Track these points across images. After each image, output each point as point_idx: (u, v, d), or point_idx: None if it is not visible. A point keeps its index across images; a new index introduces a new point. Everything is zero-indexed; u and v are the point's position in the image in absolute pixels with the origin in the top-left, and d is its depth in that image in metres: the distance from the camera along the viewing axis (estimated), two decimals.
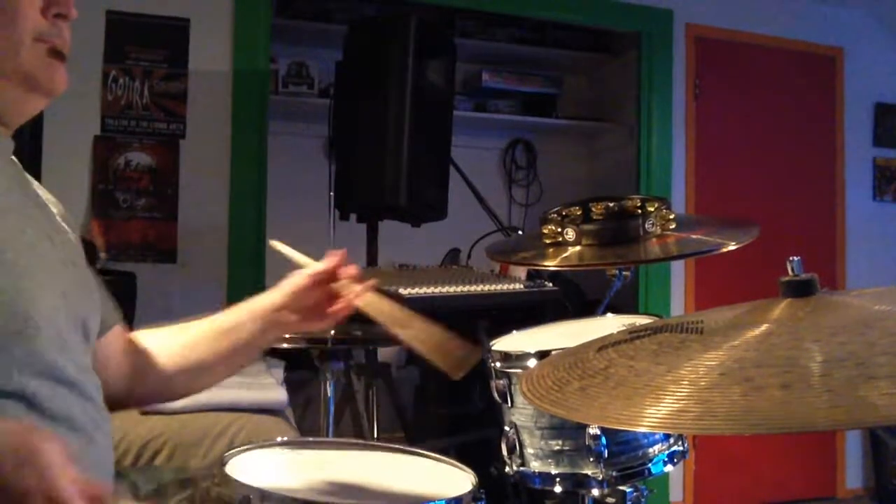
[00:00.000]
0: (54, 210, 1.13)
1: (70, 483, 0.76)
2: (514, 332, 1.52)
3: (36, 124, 2.68)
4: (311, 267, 1.27)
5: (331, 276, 1.25)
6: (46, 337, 0.95)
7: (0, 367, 0.91)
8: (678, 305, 3.68)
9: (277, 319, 1.26)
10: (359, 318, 1.68)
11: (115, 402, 1.16)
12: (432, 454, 1.20)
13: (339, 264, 1.25)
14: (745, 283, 2.78)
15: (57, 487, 0.75)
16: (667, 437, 1.31)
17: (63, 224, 1.12)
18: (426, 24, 2.77)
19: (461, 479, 1.10)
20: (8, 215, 0.98)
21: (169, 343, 1.26)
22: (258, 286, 3.12)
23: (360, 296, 1.23)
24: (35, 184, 1.14)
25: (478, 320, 2.55)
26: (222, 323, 1.27)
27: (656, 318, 1.28)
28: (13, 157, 1.09)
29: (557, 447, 1.28)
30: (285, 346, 1.81)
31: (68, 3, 1.02)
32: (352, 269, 1.25)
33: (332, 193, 2.82)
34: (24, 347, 0.92)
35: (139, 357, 1.23)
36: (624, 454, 1.27)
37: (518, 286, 2.37)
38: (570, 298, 2.74)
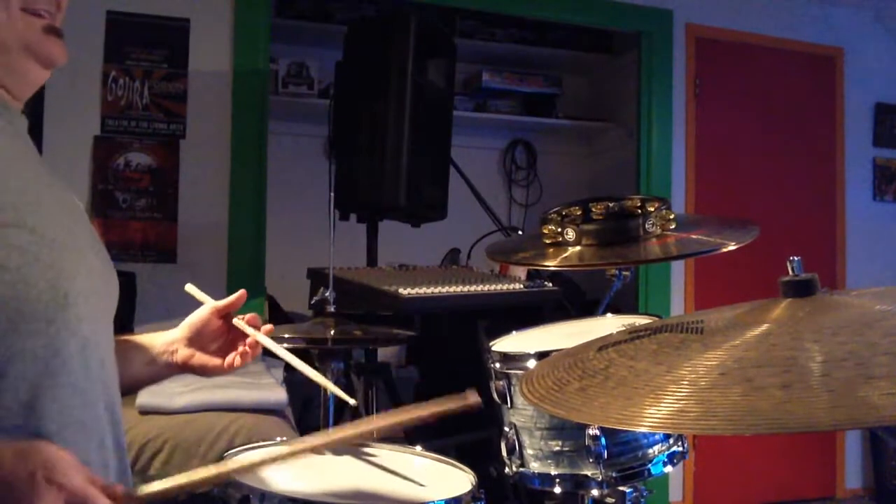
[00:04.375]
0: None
1: (85, 484, 0.78)
2: (514, 332, 1.52)
3: (36, 124, 2.68)
4: (211, 303, 1.29)
5: (229, 312, 1.28)
6: (83, 312, 0.97)
7: (47, 337, 0.92)
8: (678, 305, 3.68)
9: (171, 353, 1.26)
10: (358, 318, 1.68)
11: None
12: (432, 454, 1.20)
13: (238, 302, 1.28)
14: (745, 283, 2.78)
15: (76, 487, 0.77)
16: (667, 437, 1.31)
17: (76, 199, 1.13)
18: (426, 24, 2.76)
19: (461, 479, 1.10)
20: (42, 193, 1.00)
21: None
22: (258, 286, 3.13)
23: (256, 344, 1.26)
24: None
25: (478, 320, 2.56)
26: (125, 355, 1.26)
27: (656, 318, 1.28)
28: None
29: (557, 448, 1.28)
30: (285, 346, 1.81)
31: None
32: (251, 316, 1.28)
33: (332, 193, 2.81)
34: (62, 321, 0.94)
35: None
36: (624, 455, 1.27)
37: (518, 286, 2.37)
38: (570, 298, 2.74)
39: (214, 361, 1.26)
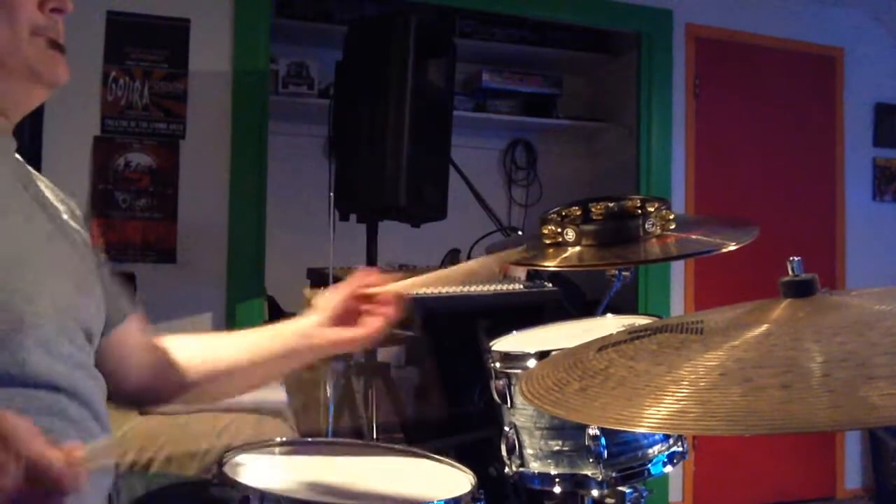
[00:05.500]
0: (61, 207, 1.13)
1: (43, 449, 0.75)
2: (514, 332, 1.52)
3: (36, 125, 2.68)
4: (344, 286, 1.25)
5: (363, 293, 1.24)
6: (38, 336, 0.94)
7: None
8: (678, 306, 3.68)
9: (310, 339, 1.24)
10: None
11: (140, 396, 1.20)
12: (432, 454, 1.20)
13: (371, 281, 1.24)
14: (745, 283, 2.78)
15: (32, 454, 0.74)
16: (666, 437, 1.31)
17: (71, 222, 1.12)
18: (426, 24, 2.76)
19: (460, 480, 1.10)
20: (7, 215, 0.98)
21: (199, 349, 1.27)
22: (258, 286, 3.13)
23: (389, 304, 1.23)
24: (42, 182, 1.14)
25: (478, 320, 2.56)
26: (256, 339, 1.27)
27: (656, 319, 1.28)
28: (17, 156, 1.09)
29: (557, 448, 1.28)
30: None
31: None
32: (376, 278, 1.24)
33: (331, 193, 2.82)
34: (15, 346, 0.92)
35: (161, 354, 1.24)
36: (623, 455, 1.27)
37: (518, 287, 2.37)
38: (570, 299, 2.74)
39: (348, 341, 1.24)
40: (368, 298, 1.24)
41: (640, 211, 1.49)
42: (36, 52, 1.01)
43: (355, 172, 2.75)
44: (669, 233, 1.50)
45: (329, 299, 1.25)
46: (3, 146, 1.05)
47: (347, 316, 1.24)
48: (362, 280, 1.25)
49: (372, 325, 1.23)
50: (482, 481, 1.08)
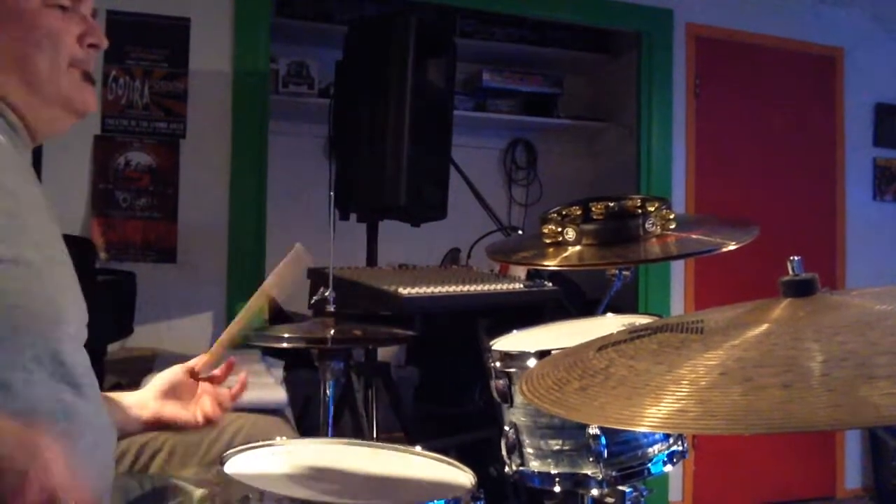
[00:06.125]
0: None
1: (66, 483, 0.81)
2: (514, 331, 1.52)
3: None
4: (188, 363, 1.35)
5: (192, 369, 1.35)
6: (69, 332, 1.02)
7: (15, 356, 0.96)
8: (678, 305, 3.68)
9: (144, 411, 1.31)
10: (358, 318, 1.68)
11: None
12: (432, 454, 1.20)
13: (210, 366, 1.35)
14: (745, 282, 2.78)
15: (54, 483, 0.80)
16: (666, 436, 1.31)
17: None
18: (426, 24, 2.76)
19: (461, 479, 1.10)
20: (46, 225, 1.05)
21: None
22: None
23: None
24: None
25: (478, 320, 2.56)
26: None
27: (656, 318, 1.28)
28: None
29: (557, 447, 1.28)
30: (285, 346, 1.81)
31: (101, 35, 1.12)
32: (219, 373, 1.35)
33: (332, 193, 2.82)
34: (54, 336, 0.99)
35: None
36: (623, 454, 1.27)
37: (518, 286, 2.37)
38: (570, 298, 2.74)
39: (185, 415, 1.32)
40: (196, 375, 1.35)
41: (640, 210, 1.49)
42: (70, 83, 1.08)
43: (355, 172, 2.75)
44: (669, 232, 1.50)
45: (163, 374, 1.34)
46: (27, 161, 1.11)
47: (181, 390, 1.34)
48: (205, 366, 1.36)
49: (209, 408, 1.34)
50: (482, 480, 1.08)
